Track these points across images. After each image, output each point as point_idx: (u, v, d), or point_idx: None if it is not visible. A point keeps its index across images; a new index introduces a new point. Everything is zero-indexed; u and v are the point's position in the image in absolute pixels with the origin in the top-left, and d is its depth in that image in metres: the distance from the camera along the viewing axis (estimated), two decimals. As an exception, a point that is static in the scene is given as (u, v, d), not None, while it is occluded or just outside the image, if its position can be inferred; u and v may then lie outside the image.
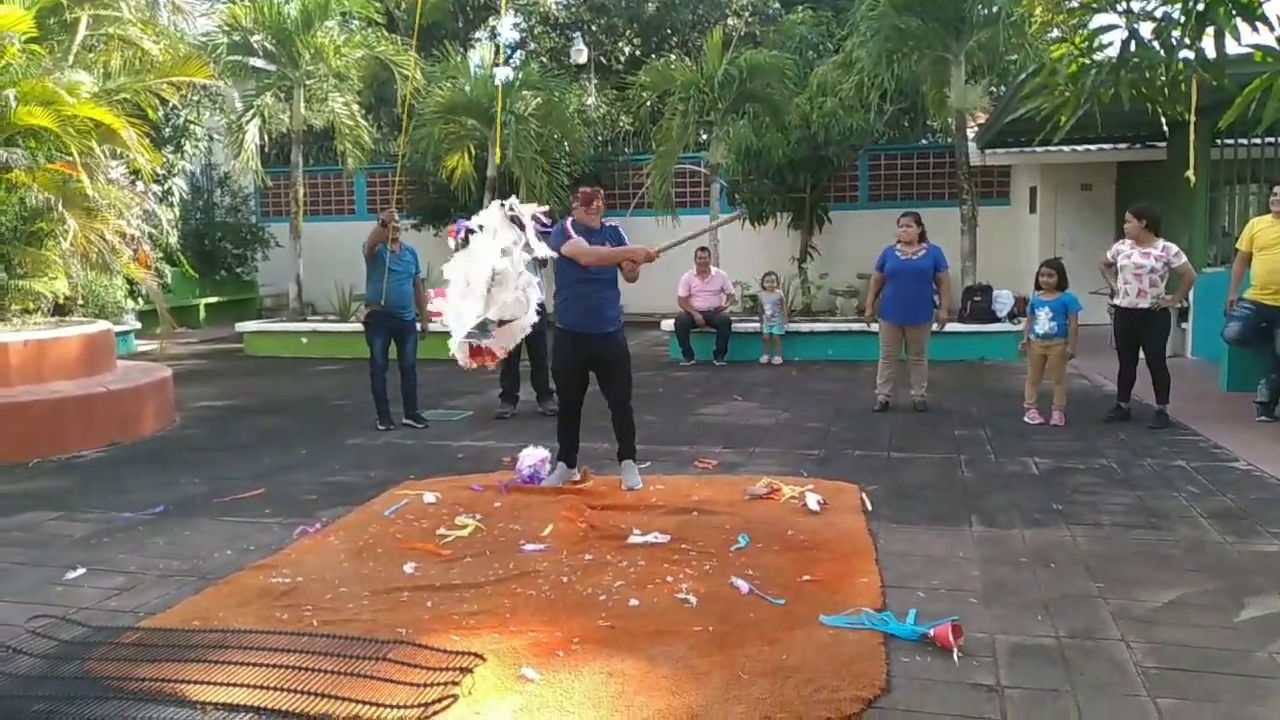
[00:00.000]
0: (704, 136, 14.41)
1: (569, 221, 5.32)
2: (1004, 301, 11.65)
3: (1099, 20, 4.77)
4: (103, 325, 8.12)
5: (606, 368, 5.47)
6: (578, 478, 5.64)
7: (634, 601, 3.75)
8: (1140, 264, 6.92)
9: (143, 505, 5.38)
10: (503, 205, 4.96)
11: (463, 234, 4.96)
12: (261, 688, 3.01)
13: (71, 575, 4.24)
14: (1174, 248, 6.99)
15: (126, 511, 5.27)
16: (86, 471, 6.37)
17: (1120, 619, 3.52)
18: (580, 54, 18.86)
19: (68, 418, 6.93)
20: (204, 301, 16.70)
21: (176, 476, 6.10)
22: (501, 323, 4.79)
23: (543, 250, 4.96)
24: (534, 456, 5.69)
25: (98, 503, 5.48)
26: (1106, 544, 4.40)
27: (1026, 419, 7.30)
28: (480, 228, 4.88)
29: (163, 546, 4.66)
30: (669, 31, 20.66)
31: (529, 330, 5.07)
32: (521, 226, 4.90)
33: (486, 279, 4.73)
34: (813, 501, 5.00)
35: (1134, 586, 3.85)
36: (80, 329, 7.72)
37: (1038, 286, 7.38)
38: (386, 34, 14.98)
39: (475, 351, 4.88)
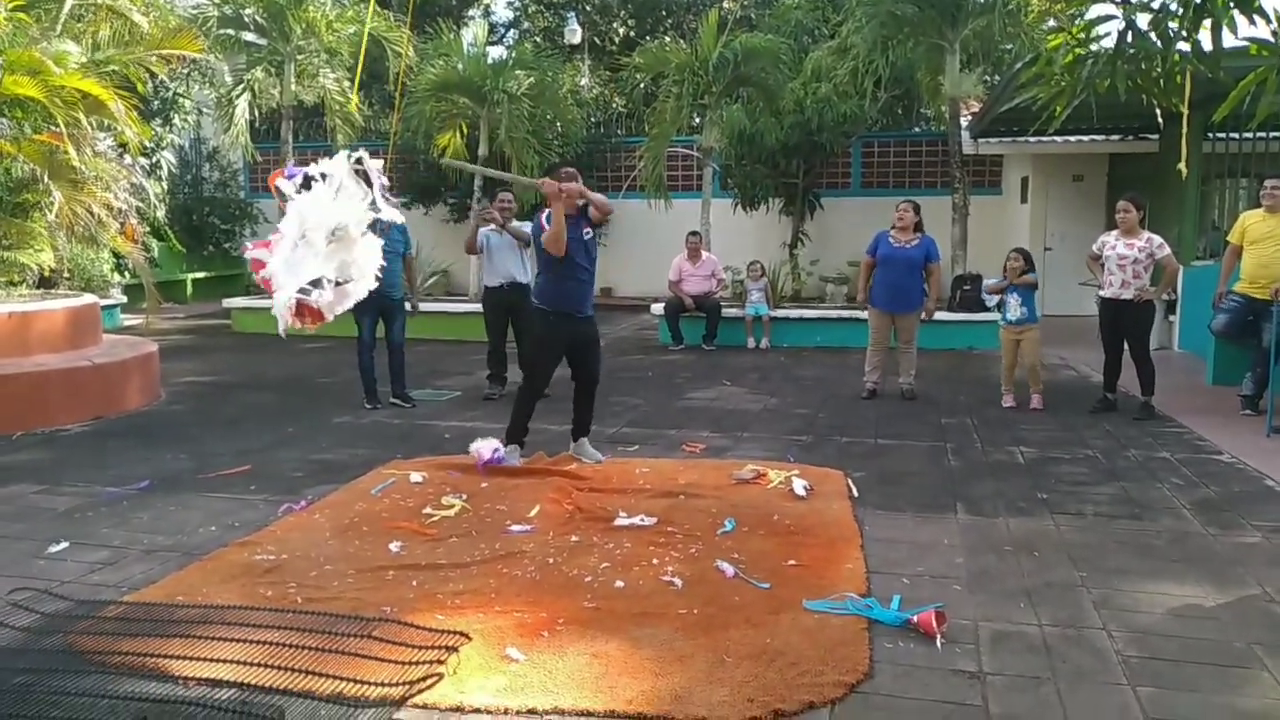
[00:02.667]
0: (697, 120, 14.35)
1: (543, 216, 5.47)
2: (993, 291, 11.67)
3: (1096, 10, 4.79)
4: (88, 299, 8.06)
5: (583, 351, 5.62)
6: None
7: (619, 583, 3.75)
8: (1124, 255, 6.95)
9: (127, 480, 5.35)
10: (350, 157, 4.45)
11: (299, 178, 4.39)
12: (245, 663, 3.00)
13: (54, 549, 4.21)
14: (1157, 239, 7.01)
15: (110, 486, 5.24)
16: (70, 445, 6.33)
17: (1102, 608, 3.55)
18: (574, 34, 18.75)
19: (52, 391, 6.88)
20: (191, 277, 16.59)
21: (161, 452, 6.07)
22: (338, 283, 4.28)
23: (390, 212, 4.49)
24: (488, 446, 5.59)
25: (82, 477, 5.45)
26: (1090, 533, 4.43)
27: (1003, 404, 7.45)
28: (323, 176, 4.33)
29: (147, 521, 4.64)
30: (664, 13, 20.55)
31: (361, 296, 4.44)
32: (369, 183, 4.41)
33: (327, 233, 4.26)
34: (799, 487, 5.01)
35: (1116, 576, 3.88)
36: (65, 302, 7.65)
37: (1005, 272, 7.45)
38: (379, 10, 14.85)
39: (301, 310, 4.23)
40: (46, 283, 9.70)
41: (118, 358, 7.50)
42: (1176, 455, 5.93)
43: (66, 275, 11.14)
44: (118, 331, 10.88)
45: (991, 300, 11.42)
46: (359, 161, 4.38)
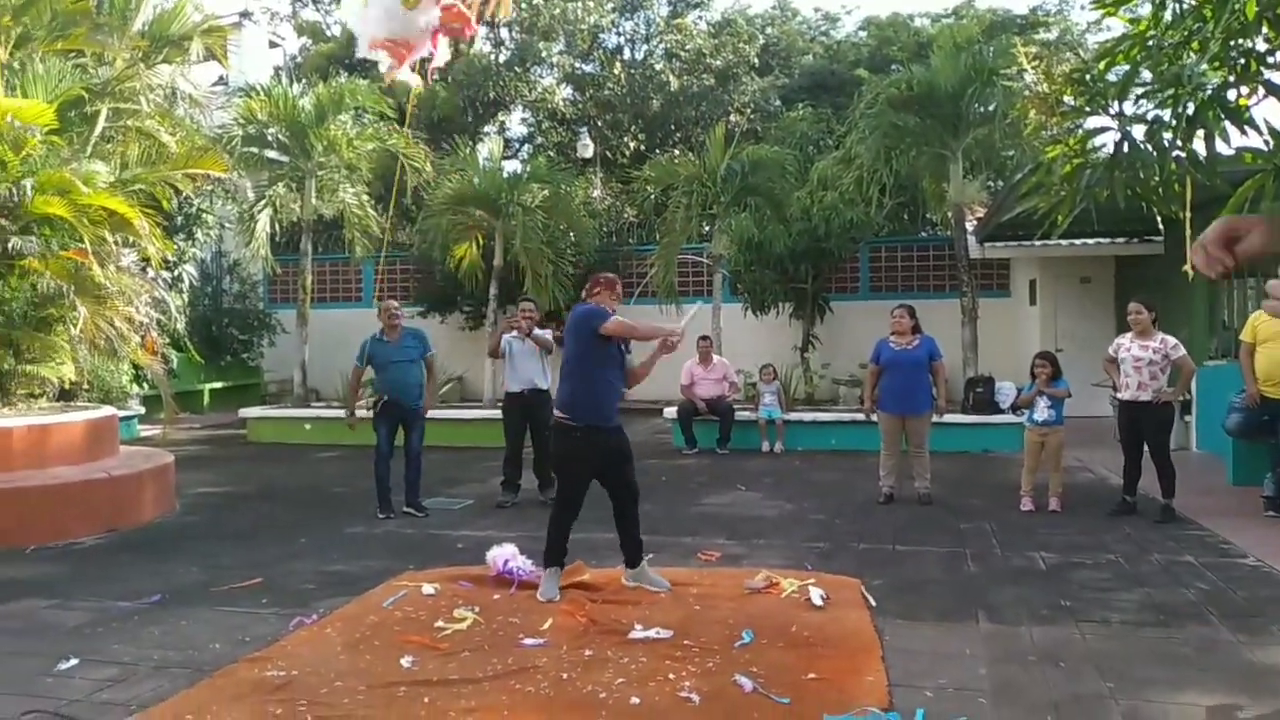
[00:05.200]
0: (707, 228, 14.64)
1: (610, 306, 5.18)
2: (1006, 393, 11.66)
3: (1092, 122, 4.90)
4: (107, 411, 8.14)
5: (618, 465, 5.18)
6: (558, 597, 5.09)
7: (635, 700, 3.67)
8: (1139, 357, 6.98)
9: (139, 594, 5.32)
10: None
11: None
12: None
13: (63, 666, 4.16)
14: (1172, 340, 7.05)
15: (122, 600, 5.20)
16: (84, 558, 6.31)
17: (1132, 721, 3.45)
18: (587, 148, 19.33)
19: (68, 503, 6.89)
20: (208, 387, 16.74)
21: (174, 565, 6.04)
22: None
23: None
24: (503, 554, 5.49)
25: (94, 591, 5.42)
26: (1116, 642, 4.33)
27: (1021, 507, 7.37)
28: None
29: (158, 637, 4.59)
30: (673, 127, 21.18)
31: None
32: None
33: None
34: (816, 596, 4.93)
35: (1145, 687, 3.78)
36: (84, 414, 7.73)
37: (1033, 377, 7.49)
38: (398, 127, 15.34)
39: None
40: (66, 395, 9.81)
41: (133, 469, 7.53)
42: (1201, 559, 5.82)
43: (86, 387, 11.25)
44: (134, 442, 10.96)
45: (1006, 402, 11.43)
46: None
